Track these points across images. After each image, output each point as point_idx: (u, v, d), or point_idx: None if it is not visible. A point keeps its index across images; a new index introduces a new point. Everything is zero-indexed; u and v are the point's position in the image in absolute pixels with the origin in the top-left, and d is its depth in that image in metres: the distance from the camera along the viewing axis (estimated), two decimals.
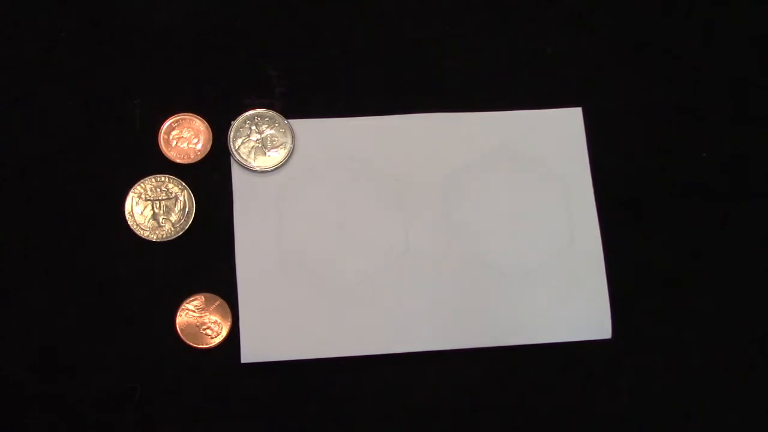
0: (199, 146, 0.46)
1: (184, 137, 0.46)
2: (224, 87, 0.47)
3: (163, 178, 0.45)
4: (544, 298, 0.45)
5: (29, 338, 0.43)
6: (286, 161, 0.46)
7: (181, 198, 0.45)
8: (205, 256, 0.45)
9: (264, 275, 0.44)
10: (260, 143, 0.46)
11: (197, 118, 0.46)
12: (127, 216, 0.45)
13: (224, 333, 0.44)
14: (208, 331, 0.44)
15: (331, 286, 0.44)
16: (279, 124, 0.46)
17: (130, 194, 0.45)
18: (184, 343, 0.43)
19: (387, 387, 0.44)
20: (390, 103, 0.47)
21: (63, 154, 0.45)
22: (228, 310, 0.44)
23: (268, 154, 0.46)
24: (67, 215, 0.45)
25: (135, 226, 0.44)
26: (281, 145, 0.46)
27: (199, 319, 0.44)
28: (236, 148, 0.46)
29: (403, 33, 0.49)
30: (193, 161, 0.46)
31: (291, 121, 0.46)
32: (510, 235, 0.46)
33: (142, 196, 0.45)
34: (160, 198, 0.45)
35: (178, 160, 0.46)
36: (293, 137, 0.46)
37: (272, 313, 0.44)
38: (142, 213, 0.45)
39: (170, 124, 0.46)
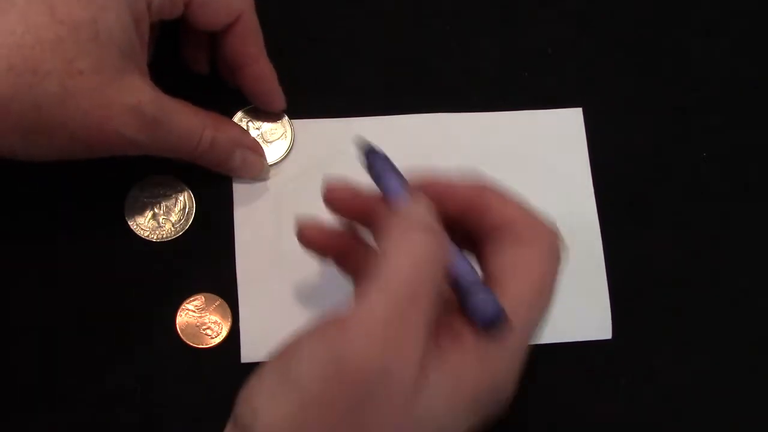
0: None
1: None
2: (224, 87, 0.47)
3: (163, 179, 0.45)
4: None
5: (29, 338, 0.43)
6: (286, 161, 0.46)
7: (181, 198, 0.45)
8: (205, 256, 0.45)
9: (264, 275, 0.44)
10: (260, 138, 0.46)
11: None
12: (127, 216, 0.45)
13: (224, 333, 0.44)
14: (208, 331, 0.44)
15: (331, 286, 0.44)
16: (276, 116, 0.46)
17: (130, 194, 0.45)
18: (184, 343, 0.43)
19: None
20: (390, 103, 0.47)
21: None
22: (228, 310, 0.44)
23: (268, 147, 0.46)
24: (67, 215, 0.45)
25: (135, 226, 0.44)
26: (281, 136, 0.46)
27: (199, 319, 0.44)
28: None
29: (403, 33, 0.49)
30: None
31: (291, 121, 0.46)
32: None
33: (143, 196, 0.45)
34: (160, 198, 0.45)
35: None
36: (293, 137, 0.46)
37: (272, 313, 0.44)
38: (142, 213, 0.45)
39: None
